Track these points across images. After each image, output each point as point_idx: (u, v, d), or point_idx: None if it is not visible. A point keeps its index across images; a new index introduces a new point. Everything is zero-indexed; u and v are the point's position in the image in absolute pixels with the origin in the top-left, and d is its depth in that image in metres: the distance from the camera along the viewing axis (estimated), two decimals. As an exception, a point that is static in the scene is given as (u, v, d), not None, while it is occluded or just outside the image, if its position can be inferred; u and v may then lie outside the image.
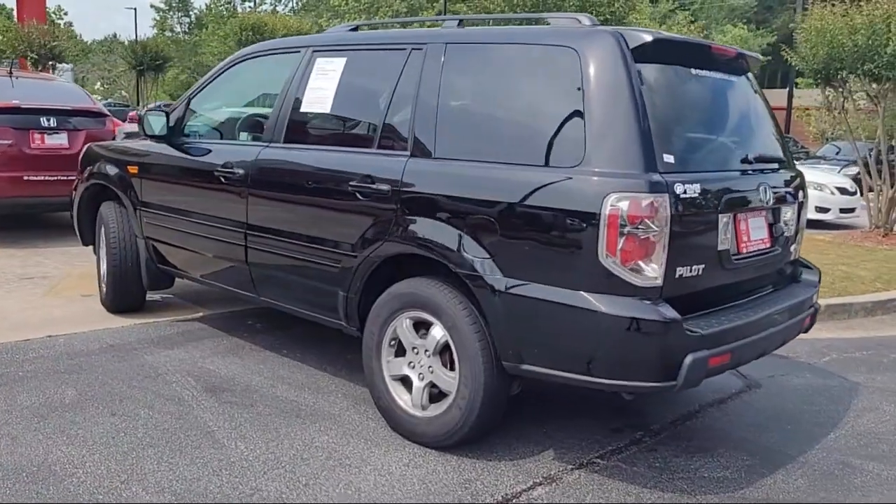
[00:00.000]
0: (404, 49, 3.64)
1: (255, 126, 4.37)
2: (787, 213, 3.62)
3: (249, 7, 57.47)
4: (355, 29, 4.15)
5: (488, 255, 3.12)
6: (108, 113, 7.89)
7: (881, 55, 8.72)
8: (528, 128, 3.19)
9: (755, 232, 3.37)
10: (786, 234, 3.61)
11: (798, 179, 3.79)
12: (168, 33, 63.67)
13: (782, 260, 3.66)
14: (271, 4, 59.54)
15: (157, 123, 4.54)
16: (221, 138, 4.67)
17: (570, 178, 2.96)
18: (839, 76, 9.60)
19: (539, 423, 3.71)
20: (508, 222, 3.08)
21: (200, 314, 5.27)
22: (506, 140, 3.22)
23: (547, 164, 3.05)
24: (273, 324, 5.07)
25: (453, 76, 3.42)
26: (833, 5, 9.45)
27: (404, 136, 3.52)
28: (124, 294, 5.04)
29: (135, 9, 53.49)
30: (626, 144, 2.92)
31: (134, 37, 46.54)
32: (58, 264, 6.62)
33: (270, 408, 3.75)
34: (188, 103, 4.64)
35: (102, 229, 5.17)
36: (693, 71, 3.32)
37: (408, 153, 3.45)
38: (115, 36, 79.80)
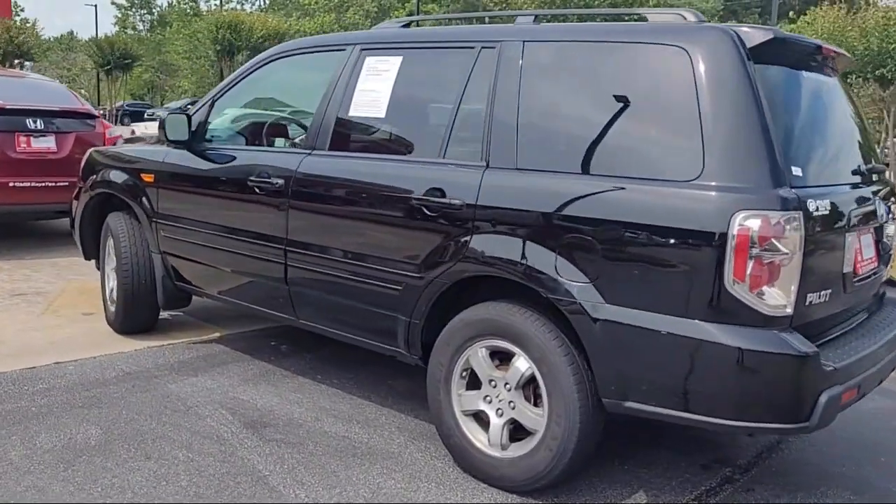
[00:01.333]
0: (472, 48, 3.28)
1: (296, 131, 3.97)
2: (890, 228, 3.33)
3: (215, 5, 56.37)
4: (407, 25, 3.77)
5: (587, 280, 2.78)
6: (98, 114, 7.39)
7: (894, 59, 8.57)
8: (630, 136, 2.85)
9: (867, 250, 3.08)
10: (889, 251, 3.33)
11: (889, 191, 3.51)
12: (130, 31, 62.28)
13: (881, 280, 3.38)
14: (238, 3, 58.56)
15: (180, 127, 4.12)
16: (252, 144, 4.26)
17: (688, 193, 2.63)
18: (847, 80, 9.45)
19: (619, 458, 3.38)
20: (613, 243, 2.74)
21: (218, 335, 4.85)
22: (604, 150, 2.88)
23: (657, 177, 2.71)
24: (298, 345, 4.68)
25: (535, 78, 3.07)
26: (839, 8, 9.30)
27: (477, 144, 3.16)
28: (136, 314, 4.60)
29: (95, 5, 52.23)
30: (753, 156, 2.60)
31: (94, 34, 45.51)
32: (49, 278, 6.13)
33: (321, 446, 3.37)
34: (212, 106, 4.22)
35: (110, 243, 4.72)
36: (804, 73, 3.01)
37: (483, 164, 3.10)
38: (72, 34, 78.11)
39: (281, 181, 3.69)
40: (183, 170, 4.23)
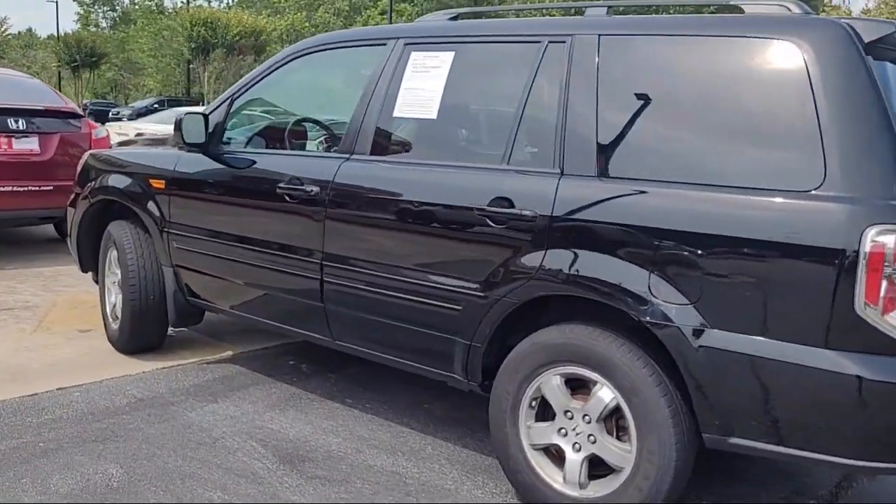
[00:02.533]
0: (538, 42, 2.97)
1: (326, 134, 3.63)
2: None
3: (181, 3, 55.32)
4: (455, 18, 3.44)
5: (687, 301, 2.48)
6: (83, 113, 6.95)
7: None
8: (734, 141, 2.56)
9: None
10: None
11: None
12: (92, 28, 61.00)
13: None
14: (206, 0, 57.64)
15: (196, 129, 3.75)
16: (275, 147, 3.91)
17: (809, 205, 2.34)
18: None
19: (694, 491, 3.08)
20: (718, 261, 2.44)
21: (229, 353, 4.47)
22: (703, 157, 2.59)
23: (769, 187, 2.42)
24: (319, 363, 4.33)
25: (616, 76, 2.77)
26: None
27: (548, 149, 2.85)
28: (144, 332, 4.22)
29: (56, 2, 50.86)
30: (882, 163, 2.32)
31: (56, 31, 44.38)
32: (35, 290, 5.69)
33: (370, 483, 3.04)
34: (230, 105, 3.86)
35: (112, 254, 4.34)
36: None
37: (557, 171, 2.78)
38: (31, 31, 76.28)
39: (316, 189, 3.34)
40: (199, 175, 3.86)
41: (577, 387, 2.78)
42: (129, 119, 20.68)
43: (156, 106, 34.26)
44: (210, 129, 3.80)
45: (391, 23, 30.33)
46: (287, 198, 3.45)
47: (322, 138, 3.95)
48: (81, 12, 63.43)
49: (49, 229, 7.74)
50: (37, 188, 6.34)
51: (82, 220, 4.51)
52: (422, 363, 3.21)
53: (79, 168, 4.67)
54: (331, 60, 3.72)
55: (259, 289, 3.71)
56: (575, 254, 2.69)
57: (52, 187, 6.43)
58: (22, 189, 6.29)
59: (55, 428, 3.35)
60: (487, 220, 2.87)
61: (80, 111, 6.89)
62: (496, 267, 2.86)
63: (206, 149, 3.83)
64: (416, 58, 3.27)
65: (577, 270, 2.68)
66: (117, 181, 4.24)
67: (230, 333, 4.78)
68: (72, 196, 4.73)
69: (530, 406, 2.85)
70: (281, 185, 3.47)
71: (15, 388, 3.75)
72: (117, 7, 65.18)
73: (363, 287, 3.24)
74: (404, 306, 3.13)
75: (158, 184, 4.01)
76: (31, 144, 6.43)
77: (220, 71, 26.36)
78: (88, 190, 4.42)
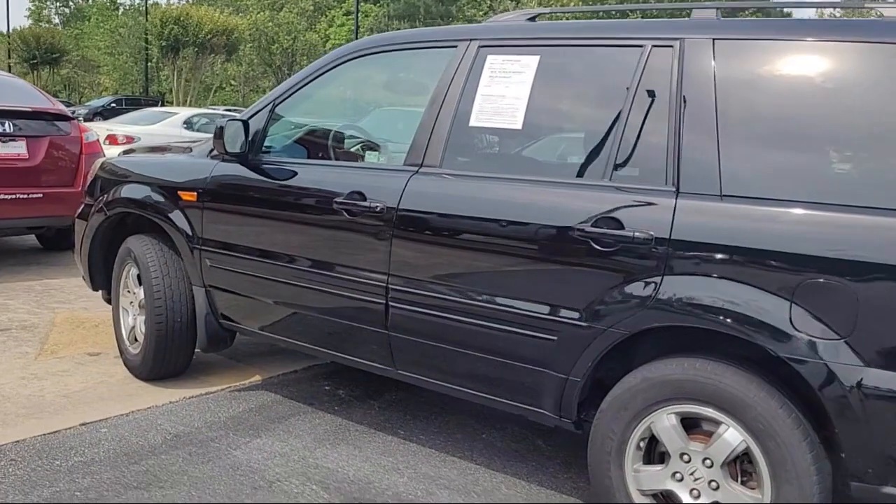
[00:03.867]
0: (639, 45, 2.71)
1: (389, 143, 3.32)
2: None
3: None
4: (533, 19, 3.16)
5: (837, 336, 2.24)
6: (72, 115, 6.50)
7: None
8: (884, 157, 2.32)
9: None
10: None
11: None
12: (45, 24, 59.26)
13: None
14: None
15: (235, 137, 3.41)
16: (322, 157, 3.58)
17: (982, 231, 2.11)
18: None
19: None
20: (876, 291, 2.20)
21: (258, 378, 4.13)
22: (849, 175, 2.35)
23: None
24: (357, 388, 4.03)
25: (738, 85, 2.53)
26: None
27: (659, 164, 2.59)
28: (170, 358, 3.85)
29: (7, -4, 49.12)
30: None
31: (7, 27, 43.00)
32: (29, 307, 5.26)
33: (454, 532, 2.74)
34: (271, 112, 3.52)
35: (131, 272, 3.97)
36: None
37: (671, 189, 2.52)
38: (-23, 26, 74.00)
39: (381, 204, 3.04)
40: (238, 187, 3.52)
41: (689, 424, 2.52)
42: (86, 119, 19.85)
43: (112, 105, 33.29)
44: (250, 138, 3.46)
45: (357, 24, 29.94)
46: (346, 214, 3.13)
47: (380, 148, 3.63)
48: (33, 7, 61.65)
49: (31, 239, 7.27)
50: (25, 196, 5.90)
51: (95, 234, 4.12)
52: (503, 397, 2.92)
53: (90, 177, 4.28)
54: (388, 64, 3.42)
55: (308, 312, 3.38)
56: (699, 281, 2.43)
57: (41, 195, 6.00)
58: (9, 197, 5.84)
59: (89, 473, 2.99)
60: (591, 243, 2.60)
61: (69, 113, 6.44)
62: (601, 294, 2.59)
63: (246, 158, 3.49)
64: (494, 62, 2.99)
65: (702, 299, 2.42)
66: (138, 192, 3.88)
67: (250, 355, 4.45)
68: (80, 207, 4.34)
69: (637, 447, 2.59)
70: (338, 199, 3.15)
71: (34, 425, 3.36)
72: (70, 3, 63.50)
73: (437, 313, 2.94)
74: (486, 335, 2.84)
75: (189, 196, 3.66)
76: (18, 149, 5.97)
77: (192, 70, 25.68)
78: (103, 201, 4.04)
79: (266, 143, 3.55)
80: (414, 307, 3.00)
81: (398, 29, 36.92)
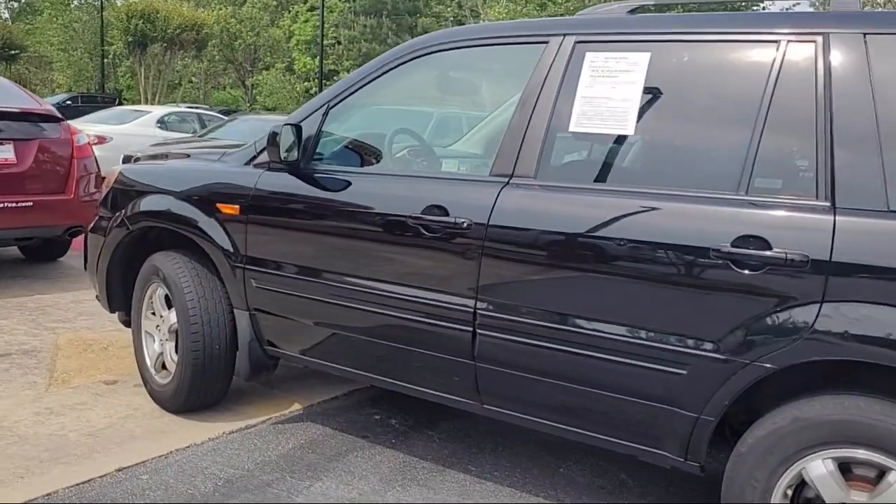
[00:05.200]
0: (774, 41, 2.40)
1: (465, 151, 2.97)
2: None
3: (93, -6, 52.52)
4: (634, 11, 2.83)
5: None
6: (62, 116, 6.01)
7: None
8: None
9: None
10: None
11: None
12: (-6, 19, 57.28)
13: None
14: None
15: (291, 144, 3.04)
16: (393, 167, 3.23)
17: None
18: None
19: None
20: None
21: (298, 407, 3.76)
22: None
23: None
24: (407, 416, 3.70)
25: (898, 84, 2.23)
26: None
27: (806, 175, 2.30)
28: (206, 389, 3.47)
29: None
30: None
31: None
32: (25, 326, 4.80)
33: None
34: (325, 115, 3.15)
35: (156, 293, 3.58)
36: None
37: (825, 203, 2.23)
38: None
39: (467, 221, 2.69)
40: (289, 200, 3.15)
41: (845, 469, 2.23)
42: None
43: (68, 103, 32.22)
44: (301, 143, 3.10)
45: (323, 19, 29.35)
46: (423, 231, 2.78)
47: (456, 157, 3.28)
48: (-20, 2, 59.55)
49: (12, 249, 6.75)
50: (13, 205, 5.41)
51: (115, 251, 3.70)
52: (613, 436, 2.60)
53: (106, 186, 3.85)
54: (462, 62, 3.06)
55: (374, 340, 3.02)
56: (867, 310, 2.13)
57: (30, 203, 5.52)
58: (-4, 206, 5.35)
59: (140, 532, 2.60)
60: (730, 265, 2.29)
61: (58, 114, 5.95)
62: (743, 323, 2.28)
63: (297, 167, 3.12)
64: (595, 59, 2.66)
65: (871, 331, 2.13)
66: (167, 204, 3.47)
67: (280, 380, 4.07)
68: (94, 220, 3.91)
69: (784, 495, 2.29)
70: (414, 214, 2.80)
71: (63, 473, 2.95)
72: (20, -3, 61.45)
73: (536, 343, 2.61)
74: (596, 368, 2.52)
75: (230, 209, 3.27)
76: (5, 153, 5.48)
77: (160, 66, 24.78)
78: (125, 214, 3.62)
79: (318, 150, 3.18)
80: (507, 335, 2.66)
81: (364, 24, 36.43)
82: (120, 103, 33.23)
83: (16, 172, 5.48)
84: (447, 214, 2.74)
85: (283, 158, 3.02)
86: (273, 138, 3.01)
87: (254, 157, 3.31)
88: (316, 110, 3.18)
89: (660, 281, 2.41)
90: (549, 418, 2.72)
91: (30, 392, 3.74)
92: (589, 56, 2.67)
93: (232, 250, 3.27)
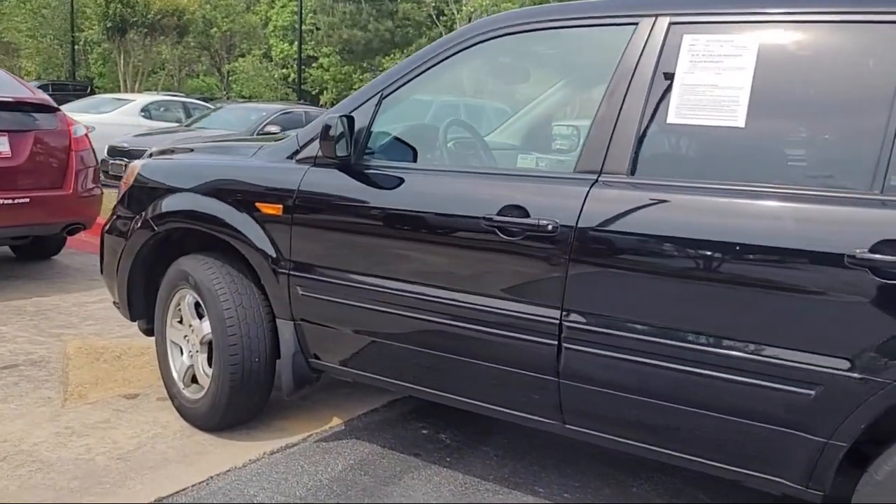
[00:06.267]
0: (909, 21, 2.15)
1: (542, 144, 2.69)
2: None
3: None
4: (733, -11, 2.56)
5: None
6: (58, 107, 5.64)
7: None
8: None
9: None
10: None
11: None
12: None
13: None
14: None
15: (343, 137, 2.75)
16: (462, 163, 2.95)
17: None
18: None
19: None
20: None
21: (337, 420, 3.49)
22: None
23: None
24: (456, 430, 3.44)
25: None
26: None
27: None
28: (244, 405, 3.18)
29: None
30: None
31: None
32: (28, 333, 4.47)
33: None
34: (378, 104, 2.86)
35: (185, 300, 3.28)
36: None
37: (982, 203, 1.98)
38: None
39: (552, 223, 2.42)
40: (341, 199, 2.85)
41: None
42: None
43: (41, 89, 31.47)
44: (353, 137, 2.81)
45: (301, 3, 28.74)
46: (499, 234, 2.51)
47: (531, 150, 3.00)
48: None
49: (2, 247, 6.38)
50: (10, 201, 5.05)
51: (138, 254, 3.39)
52: (719, 461, 2.35)
53: (126, 183, 3.53)
54: (536, 45, 2.78)
55: (439, 353, 2.74)
56: None
57: (27, 199, 5.16)
58: (-9, 202, 4.98)
59: (196, 577, 2.31)
60: (868, 273, 2.04)
61: (53, 104, 5.58)
62: (884, 338, 2.03)
63: (349, 163, 2.83)
64: (695, 43, 2.40)
65: None
66: (198, 203, 3.17)
67: (310, 390, 3.78)
68: (111, 220, 3.59)
69: (934, 530, 2.06)
70: (488, 216, 2.52)
71: (97, 505, 2.66)
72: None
73: (634, 359, 2.35)
74: (705, 387, 2.26)
75: (272, 209, 2.98)
76: (0, 146, 5.11)
77: (140, 53, 24.04)
78: (149, 214, 3.31)
79: (369, 144, 2.89)
80: (600, 350, 2.40)
81: (344, 10, 35.85)
82: (92, 91, 32.48)
83: (11, 167, 5.12)
84: (527, 216, 2.47)
85: (336, 154, 2.72)
86: (326, 132, 2.72)
87: (296, 152, 3.01)
88: (367, 100, 2.89)
89: (784, 291, 2.16)
90: (642, 440, 2.46)
91: (45, 409, 3.43)
92: (687, 39, 2.41)
93: (274, 255, 2.98)
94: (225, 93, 39.91)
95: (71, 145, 5.44)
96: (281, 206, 2.95)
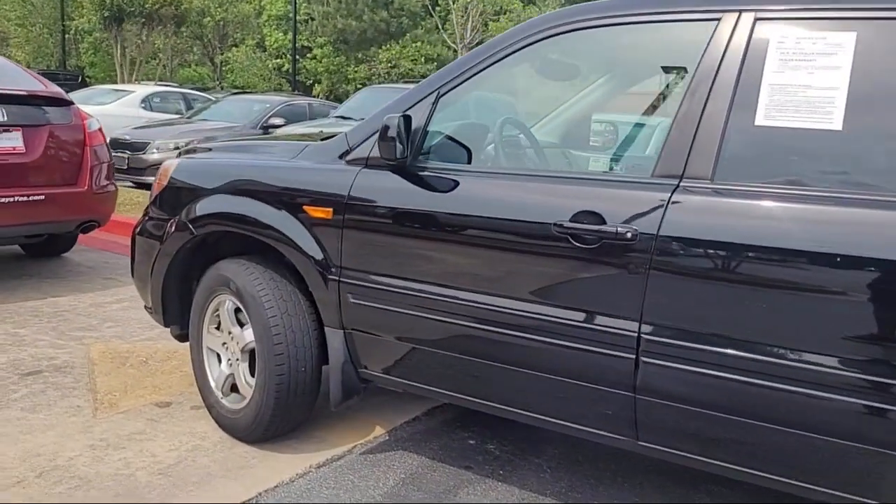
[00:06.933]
0: None
1: (614, 146, 2.56)
2: None
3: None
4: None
5: None
6: (71, 100, 5.46)
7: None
8: None
9: None
10: None
11: None
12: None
13: None
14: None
15: (400, 137, 2.61)
16: (525, 165, 2.82)
17: None
18: None
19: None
20: None
21: (380, 430, 3.36)
22: None
23: None
24: (506, 441, 3.32)
25: None
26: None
27: None
28: (290, 415, 3.05)
29: None
30: None
31: None
32: (48, 337, 4.31)
33: None
34: (435, 103, 2.72)
35: (225, 306, 3.14)
36: None
37: None
38: None
39: (632, 231, 2.29)
40: (397, 203, 2.72)
41: None
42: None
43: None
44: (409, 137, 2.66)
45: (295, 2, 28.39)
46: (572, 241, 2.38)
47: (600, 153, 2.86)
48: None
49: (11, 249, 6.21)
50: (24, 199, 4.89)
51: (175, 257, 3.24)
52: (825, 485, 2.21)
53: (158, 184, 3.38)
54: (606, 42, 2.64)
55: (500, 365, 2.61)
56: None
57: (42, 196, 5.00)
58: (5, 200, 4.81)
59: None
60: (985, 288, 1.92)
61: (66, 97, 5.41)
62: None
63: (404, 165, 2.70)
64: (783, 40, 2.27)
65: None
66: (240, 206, 3.03)
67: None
68: (142, 221, 3.45)
69: None
70: (559, 222, 2.39)
71: (144, 526, 2.52)
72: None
73: (723, 375, 2.22)
74: (804, 405, 2.14)
75: (321, 212, 2.84)
76: (13, 141, 4.94)
77: (137, 43, 23.67)
78: (187, 216, 3.16)
79: (425, 145, 2.76)
80: (682, 365, 2.27)
81: (339, 0, 35.53)
82: (83, 81, 32.10)
83: (25, 163, 4.95)
84: (603, 223, 2.34)
85: (397, 156, 2.59)
86: (385, 132, 2.58)
87: (346, 152, 2.87)
88: (423, 98, 2.75)
89: (887, 305, 2.03)
90: (725, 460, 2.34)
91: (76, 419, 3.28)
92: (775, 36, 2.28)
93: (323, 260, 2.84)
94: (218, 83, 39.56)
95: (85, 140, 5.27)
96: (331, 209, 2.81)
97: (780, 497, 2.33)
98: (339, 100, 30.92)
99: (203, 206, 3.12)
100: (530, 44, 2.62)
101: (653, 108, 2.72)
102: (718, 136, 2.28)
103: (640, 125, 2.91)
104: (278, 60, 39.30)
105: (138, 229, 3.46)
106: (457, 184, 2.64)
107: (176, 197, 3.27)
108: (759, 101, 2.25)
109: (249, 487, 2.80)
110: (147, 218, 3.41)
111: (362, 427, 3.37)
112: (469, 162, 2.82)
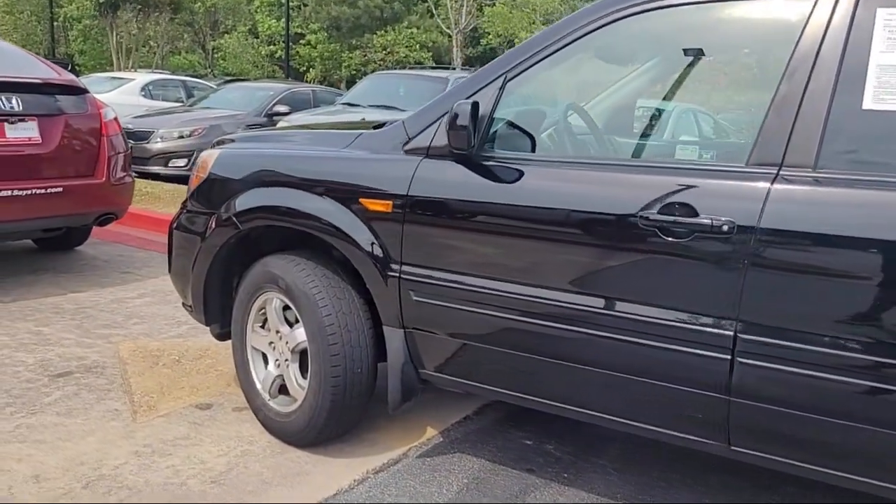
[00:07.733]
0: None
1: (701, 132, 2.41)
2: None
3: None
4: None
5: None
6: (86, 88, 5.27)
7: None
8: None
9: None
10: None
11: None
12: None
13: None
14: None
15: (466, 126, 2.45)
16: (608, 154, 2.66)
17: None
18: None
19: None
20: None
21: (432, 431, 3.23)
22: None
23: None
24: (564, 441, 3.19)
25: None
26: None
27: None
28: (344, 418, 2.91)
29: None
30: None
31: None
32: (74, 335, 4.15)
33: None
34: (502, 87, 2.56)
35: (272, 304, 2.99)
36: None
37: None
38: None
39: (728, 223, 2.15)
40: (464, 195, 2.56)
41: None
42: None
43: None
44: (476, 126, 2.51)
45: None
46: (660, 234, 2.23)
47: (686, 139, 2.71)
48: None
49: (23, 243, 6.02)
50: (42, 191, 4.71)
51: (218, 254, 3.08)
52: (922, 488, 2.10)
53: (197, 177, 3.21)
54: (691, 22, 2.48)
55: (579, 366, 2.47)
56: None
57: (60, 189, 4.82)
58: (21, 193, 4.63)
59: None
60: None
61: (82, 84, 5.21)
62: None
63: (469, 155, 2.54)
64: (891, 18, 2.12)
65: None
66: (291, 198, 2.87)
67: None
68: (180, 215, 3.28)
69: None
70: (646, 214, 2.25)
71: (205, 541, 2.38)
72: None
73: (834, 378, 2.08)
74: (912, 407, 2.01)
75: (379, 205, 2.68)
76: (28, 132, 4.75)
77: (137, 29, 23.27)
78: (231, 210, 3.00)
79: (491, 133, 2.60)
80: (780, 366, 2.14)
81: (334, -14, 35.17)
82: (73, 69, 31.74)
83: (42, 154, 4.77)
84: (696, 215, 2.19)
85: (470, 146, 2.43)
86: (456, 119, 2.42)
87: (406, 142, 2.72)
88: (489, 83, 2.59)
89: None
90: (826, 465, 2.20)
91: (116, 423, 3.13)
92: (881, 13, 2.13)
93: (382, 255, 2.69)
94: (209, 70, 39.19)
95: (102, 129, 5.09)
96: (391, 202, 2.66)
97: (857, 497, 2.21)
98: (332, 86, 30.66)
99: (248, 200, 2.96)
100: (606, 24, 2.46)
101: (744, 92, 2.57)
102: (822, 122, 2.14)
103: (729, 110, 2.76)
104: (271, 47, 38.95)
105: (175, 224, 3.29)
106: (528, 174, 2.49)
107: (216, 190, 3.10)
108: (867, 84, 2.11)
109: (307, 496, 2.66)
110: (185, 212, 3.25)
111: (413, 428, 3.23)
112: (533, 150, 2.66)
